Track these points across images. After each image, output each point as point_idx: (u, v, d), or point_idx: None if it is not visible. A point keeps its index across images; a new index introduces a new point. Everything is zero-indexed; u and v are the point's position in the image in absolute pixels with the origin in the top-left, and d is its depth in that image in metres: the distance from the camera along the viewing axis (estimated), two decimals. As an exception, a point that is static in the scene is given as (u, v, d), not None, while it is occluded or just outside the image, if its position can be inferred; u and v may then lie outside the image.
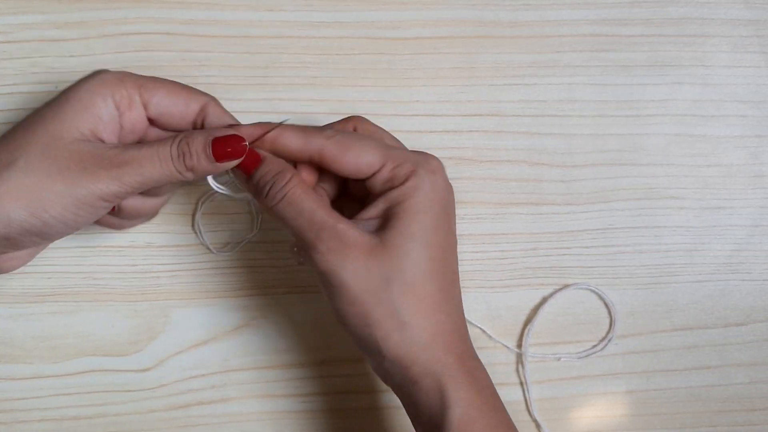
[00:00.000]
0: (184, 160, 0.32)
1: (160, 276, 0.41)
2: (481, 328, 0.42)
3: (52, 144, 0.31)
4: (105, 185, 0.31)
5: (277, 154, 0.33)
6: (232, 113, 0.41)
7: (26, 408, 0.41)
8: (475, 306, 0.42)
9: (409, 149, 0.35)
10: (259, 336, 0.42)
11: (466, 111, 0.42)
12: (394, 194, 0.32)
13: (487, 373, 0.33)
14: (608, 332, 0.43)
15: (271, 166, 0.33)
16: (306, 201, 0.32)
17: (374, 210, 0.33)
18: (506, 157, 0.43)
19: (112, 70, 0.34)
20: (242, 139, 0.32)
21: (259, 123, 0.34)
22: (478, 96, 0.42)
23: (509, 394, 0.42)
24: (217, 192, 0.35)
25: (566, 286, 0.43)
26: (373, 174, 0.33)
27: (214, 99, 0.35)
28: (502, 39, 0.43)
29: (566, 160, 0.43)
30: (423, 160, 0.33)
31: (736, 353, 0.44)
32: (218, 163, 0.32)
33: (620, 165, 0.43)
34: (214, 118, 0.34)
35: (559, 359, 0.43)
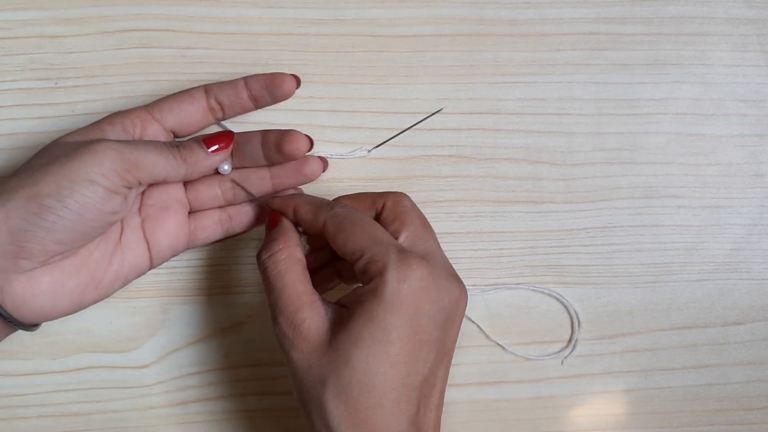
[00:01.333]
0: (180, 152, 0.34)
1: (159, 273, 0.41)
2: (477, 325, 0.42)
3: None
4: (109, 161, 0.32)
5: (298, 222, 0.35)
6: (232, 110, 0.41)
7: (25, 404, 0.41)
8: (473, 304, 0.42)
9: (401, 241, 0.34)
10: (257, 333, 0.42)
11: (466, 109, 0.42)
12: (360, 290, 0.32)
13: None
14: (571, 335, 0.43)
15: (275, 234, 0.35)
16: (282, 277, 0.33)
17: (346, 298, 0.33)
18: (505, 156, 0.43)
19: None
20: (231, 134, 0.36)
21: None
22: (477, 94, 0.42)
23: (508, 392, 0.43)
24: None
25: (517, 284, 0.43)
26: (354, 262, 0.32)
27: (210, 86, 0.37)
28: (501, 37, 0.43)
29: (566, 159, 0.43)
30: (400, 262, 0.31)
31: (734, 352, 0.44)
32: (210, 153, 0.35)
33: (620, 164, 0.43)
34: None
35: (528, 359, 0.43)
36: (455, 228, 0.42)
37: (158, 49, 0.41)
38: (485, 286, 0.42)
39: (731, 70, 0.44)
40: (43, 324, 0.40)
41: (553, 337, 0.43)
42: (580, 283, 0.43)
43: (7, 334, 0.35)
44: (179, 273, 0.41)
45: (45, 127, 0.40)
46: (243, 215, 0.38)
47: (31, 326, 0.35)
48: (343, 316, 0.32)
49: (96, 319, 0.41)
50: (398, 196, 0.35)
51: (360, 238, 0.32)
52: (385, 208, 0.35)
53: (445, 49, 0.42)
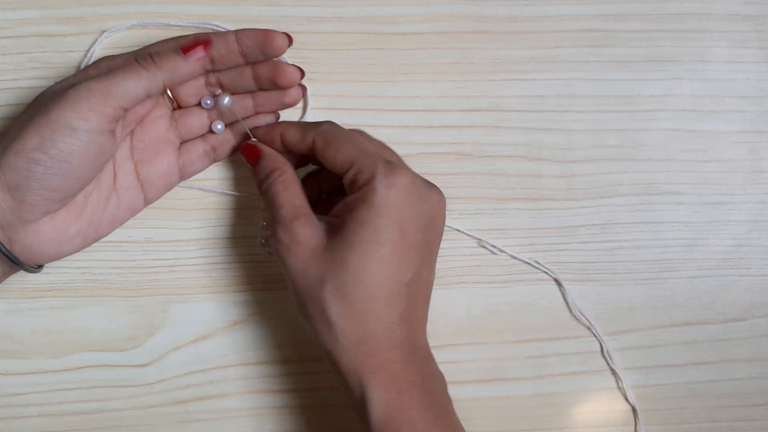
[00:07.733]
0: (153, 62, 0.35)
1: (159, 271, 0.41)
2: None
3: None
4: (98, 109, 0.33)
5: (283, 146, 0.38)
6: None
7: (25, 403, 0.41)
8: (474, 301, 0.42)
9: (392, 158, 0.35)
10: (258, 331, 0.42)
11: (465, 106, 0.42)
12: (349, 199, 0.35)
13: (427, 376, 0.35)
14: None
15: (266, 162, 0.37)
16: (281, 195, 0.36)
17: (336, 209, 0.36)
18: (505, 153, 0.43)
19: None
20: (209, 40, 0.36)
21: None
22: (476, 91, 0.42)
23: (508, 389, 0.43)
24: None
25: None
26: (344, 173, 0.35)
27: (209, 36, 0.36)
28: (500, 34, 0.43)
29: (565, 156, 0.43)
30: (387, 171, 0.34)
31: (735, 349, 0.44)
32: (187, 56, 0.35)
33: (619, 160, 0.43)
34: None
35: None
36: (455, 225, 0.42)
37: (157, 47, 0.41)
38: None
39: (730, 66, 0.44)
40: (43, 323, 0.41)
41: (554, 334, 0.43)
42: (579, 280, 0.43)
43: (11, 274, 0.37)
44: (179, 271, 0.41)
45: (44, 126, 0.40)
46: (225, 144, 0.40)
47: (37, 267, 0.37)
48: (336, 225, 0.35)
49: (96, 318, 0.41)
50: (326, 129, 0.36)
51: (349, 150, 0.35)
52: (315, 146, 0.36)
53: (444, 46, 0.42)
